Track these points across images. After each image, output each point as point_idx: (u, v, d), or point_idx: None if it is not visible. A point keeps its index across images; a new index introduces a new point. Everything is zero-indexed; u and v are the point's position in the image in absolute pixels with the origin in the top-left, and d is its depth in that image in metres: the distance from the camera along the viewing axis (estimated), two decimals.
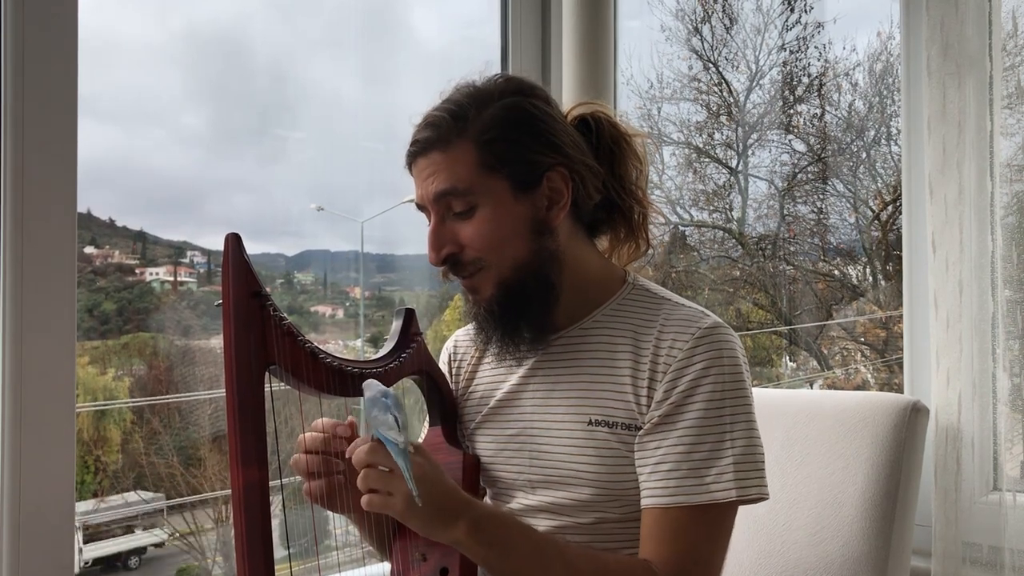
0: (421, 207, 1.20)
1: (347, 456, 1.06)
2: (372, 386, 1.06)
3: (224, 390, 1.02)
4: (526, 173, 1.16)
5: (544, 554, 1.08)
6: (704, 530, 1.11)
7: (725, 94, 3.27)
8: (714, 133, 3.30)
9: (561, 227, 1.19)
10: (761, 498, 1.12)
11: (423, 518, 1.02)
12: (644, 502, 1.13)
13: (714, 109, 3.29)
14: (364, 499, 1.03)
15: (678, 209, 3.28)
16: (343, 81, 2.80)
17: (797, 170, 3.16)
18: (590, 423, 1.17)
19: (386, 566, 1.25)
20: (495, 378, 1.28)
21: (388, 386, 1.17)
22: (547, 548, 1.09)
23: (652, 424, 1.13)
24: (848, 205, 3.12)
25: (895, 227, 2.98)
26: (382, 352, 1.21)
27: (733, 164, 3.25)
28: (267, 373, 1.05)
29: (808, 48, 3.04)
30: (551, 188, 1.17)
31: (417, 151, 1.17)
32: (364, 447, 1.02)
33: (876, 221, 3.08)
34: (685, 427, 1.11)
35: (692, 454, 1.10)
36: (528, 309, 1.18)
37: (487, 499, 1.29)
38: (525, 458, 1.21)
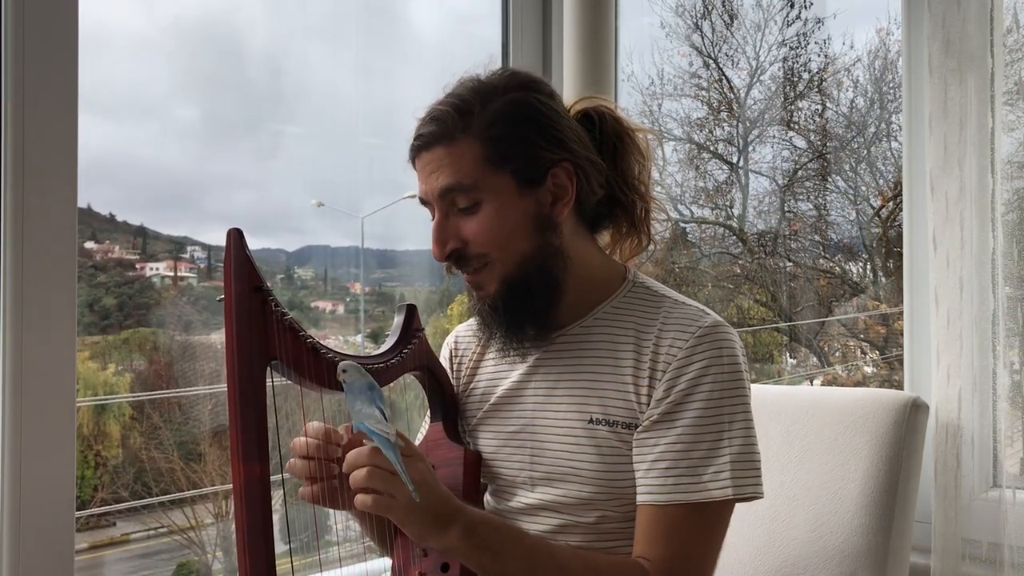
0: (425, 202, 1.19)
1: (344, 465, 1.03)
2: (352, 371, 1.04)
3: (225, 385, 1.02)
4: (531, 169, 1.15)
5: (536, 557, 1.08)
6: (699, 528, 1.11)
7: (726, 90, 3.26)
8: (715, 129, 3.30)
9: (565, 223, 1.19)
10: (756, 496, 1.12)
11: (418, 523, 1.02)
12: (640, 499, 1.13)
13: (715, 105, 3.28)
14: (365, 499, 1.00)
15: (679, 206, 3.27)
16: (340, 75, 2.78)
17: (798, 166, 3.16)
18: (591, 421, 1.17)
19: (387, 561, 1.25)
20: (497, 374, 1.28)
21: (390, 381, 1.17)
22: (539, 551, 1.09)
23: (650, 421, 1.13)
24: (849, 201, 3.12)
25: (896, 224, 2.98)
26: (384, 348, 1.21)
27: (734, 160, 3.25)
28: (268, 368, 1.04)
29: (808, 44, 3.04)
30: (556, 184, 1.17)
31: (421, 146, 1.16)
32: (364, 449, 1.01)
33: (877, 217, 3.08)
34: (684, 425, 1.11)
35: (690, 452, 1.10)
36: (532, 305, 1.17)
37: (488, 495, 1.29)
38: (526, 455, 1.21)
